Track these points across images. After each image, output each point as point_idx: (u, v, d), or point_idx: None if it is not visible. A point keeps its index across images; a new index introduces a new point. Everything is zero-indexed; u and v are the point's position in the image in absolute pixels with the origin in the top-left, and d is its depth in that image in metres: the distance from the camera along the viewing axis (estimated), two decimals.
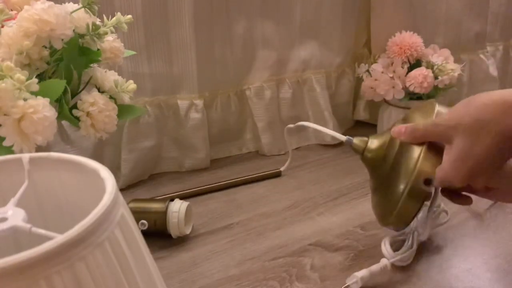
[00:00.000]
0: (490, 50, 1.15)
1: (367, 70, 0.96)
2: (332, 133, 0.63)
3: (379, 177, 0.60)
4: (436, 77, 0.91)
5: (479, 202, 0.73)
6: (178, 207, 0.65)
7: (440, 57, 0.94)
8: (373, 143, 0.60)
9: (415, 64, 0.92)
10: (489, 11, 1.11)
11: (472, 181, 0.49)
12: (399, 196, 0.54)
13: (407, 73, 0.91)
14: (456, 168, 0.48)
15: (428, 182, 0.52)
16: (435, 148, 0.53)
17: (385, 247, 0.59)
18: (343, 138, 0.61)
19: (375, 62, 0.95)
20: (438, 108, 0.56)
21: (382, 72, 0.93)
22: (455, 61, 0.95)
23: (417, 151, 0.53)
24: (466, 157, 0.47)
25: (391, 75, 0.92)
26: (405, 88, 0.92)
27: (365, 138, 0.61)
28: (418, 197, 0.53)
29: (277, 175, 0.61)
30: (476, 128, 0.47)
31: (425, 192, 0.53)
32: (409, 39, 0.92)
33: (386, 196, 0.57)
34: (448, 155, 0.49)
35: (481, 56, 1.12)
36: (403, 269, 0.59)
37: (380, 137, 0.60)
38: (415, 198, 0.53)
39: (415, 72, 0.90)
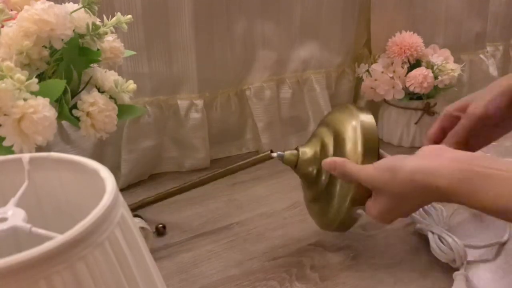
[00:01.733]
0: (490, 50, 1.15)
1: (367, 70, 0.96)
2: (260, 156, 0.64)
3: (317, 189, 0.61)
4: (436, 77, 0.91)
5: None
6: None
7: (440, 57, 0.94)
8: (305, 154, 0.61)
9: (415, 64, 0.92)
10: (489, 11, 1.11)
11: (395, 220, 0.56)
12: (338, 213, 0.58)
13: (407, 73, 0.91)
14: (382, 218, 0.55)
15: (357, 209, 0.58)
16: (363, 188, 0.56)
17: None
18: (274, 155, 0.62)
19: (375, 62, 0.96)
20: (359, 114, 0.59)
21: (382, 72, 0.93)
22: (455, 61, 0.95)
23: (349, 188, 0.57)
24: (389, 213, 0.54)
25: (391, 75, 0.92)
26: (405, 88, 0.92)
27: (295, 151, 0.61)
28: (347, 227, 0.61)
29: (269, 158, 0.61)
30: (399, 199, 0.52)
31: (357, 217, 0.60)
32: (409, 39, 0.92)
33: (326, 208, 0.60)
34: (374, 204, 0.55)
35: (481, 56, 1.12)
36: None
37: (309, 146, 0.61)
38: (353, 217, 0.59)
39: (415, 72, 0.90)
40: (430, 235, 0.62)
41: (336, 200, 0.58)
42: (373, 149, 0.57)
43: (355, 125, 0.58)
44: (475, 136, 0.61)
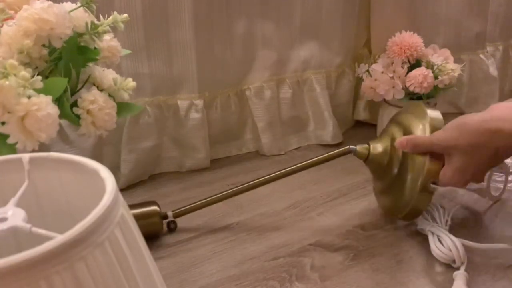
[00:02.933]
0: (490, 50, 1.15)
1: (367, 70, 0.96)
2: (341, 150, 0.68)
3: (387, 179, 0.66)
4: (436, 77, 0.91)
5: (479, 202, 0.73)
6: None
7: (440, 57, 0.94)
8: (376, 148, 0.66)
9: (415, 64, 0.92)
10: (489, 11, 1.11)
11: (470, 182, 0.61)
12: (411, 195, 0.61)
13: (407, 73, 0.91)
14: (457, 178, 0.59)
15: (434, 183, 0.60)
16: (435, 155, 0.61)
17: None
18: (344, 148, 0.67)
19: (375, 62, 0.95)
20: (428, 111, 0.64)
21: (382, 72, 0.93)
22: (455, 61, 0.95)
23: (421, 159, 0.61)
24: (464, 171, 0.58)
25: (391, 75, 0.92)
26: (405, 88, 0.91)
27: (367, 145, 0.67)
28: (428, 194, 0.61)
29: (348, 152, 0.66)
30: (471, 151, 0.57)
31: (432, 191, 0.61)
32: (409, 39, 0.92)
33: (398, 195, 0.64)
34: (449, 166, 0.59)
35: (481, 56, 1.12)
36: None
37: (380, 142, 0.67)
38: (426, 195, 0.61)
39: (415, 72, 0.90)
40: (430, 236, 0.62)
41: (408, 183, 0.62)
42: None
43: (424, 121, 0.63)
44: None
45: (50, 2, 0.52)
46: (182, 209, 0.68)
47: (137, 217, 0.67)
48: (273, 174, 0.69)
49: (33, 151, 0.47)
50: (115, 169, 0.82)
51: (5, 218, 0.29)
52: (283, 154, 0.94)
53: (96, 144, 0.80)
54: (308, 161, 0.68)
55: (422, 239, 0.64)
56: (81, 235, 0.24)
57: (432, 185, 0.60)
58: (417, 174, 0.61)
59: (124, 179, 0.81)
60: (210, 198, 0.69)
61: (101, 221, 0.25)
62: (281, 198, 0.77)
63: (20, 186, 0.32)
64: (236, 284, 0.58)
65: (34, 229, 0.28)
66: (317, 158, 0.68)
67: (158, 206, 0.67)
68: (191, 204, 0.68)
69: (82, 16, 0.55)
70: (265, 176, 0.69)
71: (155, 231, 0.67)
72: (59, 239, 0.23)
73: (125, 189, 0.81)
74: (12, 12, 0.54)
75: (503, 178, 0.75)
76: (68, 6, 0.56)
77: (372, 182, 0.73)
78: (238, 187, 0.69)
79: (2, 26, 0.52)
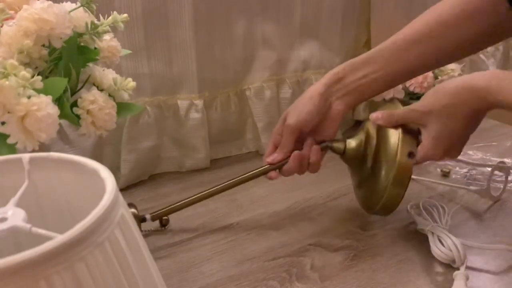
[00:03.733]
0: (490, 50, 1.15)
1: None
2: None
3: (363, 171, 0.66)
4: (436, 77, 0.91)
5: (479, 202, 0.73)
6: None
7: None
8: (350, 143, 0.66)
9: None
10: None
11: (448, 154, 0.59)
12: (385, 182, 0.61)
13: None
14: (434, 146, 0.57)
15: (411, 155, 0.59)
16: (409, 131, 0.61)
17: None
18: (323, 145, 0.66)
19: None
20: (403, 107, 0.63)
21: None
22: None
23: (395, 134, 0.61)
24: (441, 137, 0.56)
25: None
26: (405, 88, 0.91)
27: (343, 141, 0.67)
28: (404, 178, 0.60)
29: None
30: (447, 113, 0.55)
31: (408, 173, 0.59)
32: None
33: (372, 186, 0.63)
34: (426, 136, 0.58)
35: (481, 56, 1.12)
36: None
37: (355, 136, 0.67)
38: (401, 181, 0.60)
39: None
40: (430, 236, 0.62)
41: (386, 159, 0.61)
42: (413, 134, 0.61)
43: None
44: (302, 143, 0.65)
45: (50, 2, 0.52)
46: (160, 211, 0.67)
47: None
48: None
49: (33, 151, 0.47)
50: (115, 169, 0.82)
51: (5, 218, 0.29)
52: None
53: (96, 144, 0.80)
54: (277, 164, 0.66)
55: (422, 239, 0.64)
56: (81, 235, 0.24)
57: (408, 158, 0.59)
58: (391, 154, 0.60)
59: (124, 179, 0.81)
60: (185, 200, 0.67)
61: (101, 221, 0.25)
62: (281, 198, 0.77)
63: (20, 186, 0.32)
64: (236, 284, 0.58)
65: (34, 229, 0.28)
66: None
67: (136, 208, 0.66)
68: (168, 207, 0.67)
69: (82, 16, 0.55)
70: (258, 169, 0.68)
71: None
72: (59, 239, 0.23)
73: (125, 189, 0.81)
74: (12, 12, 0.54)
75: (503, 178, 0.75)
76: (68, 6, 0.56)
77: (350, 178, 0.72)
78: (216, 187, 0.68)
79: (2, 26, 0.52)
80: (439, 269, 0.59)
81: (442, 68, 0.91)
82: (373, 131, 0.65)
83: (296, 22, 0.92)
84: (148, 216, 0.66)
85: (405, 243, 0.64)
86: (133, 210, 0.65)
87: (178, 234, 0.68)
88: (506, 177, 0.74)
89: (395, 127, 0.61)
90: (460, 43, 0.62)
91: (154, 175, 0.86)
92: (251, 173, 0.68)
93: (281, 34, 0.91)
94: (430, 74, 0.89)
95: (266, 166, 0.67)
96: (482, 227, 0.68)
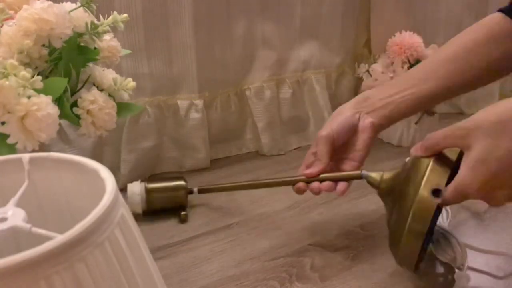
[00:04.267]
0: None
1: (367, 70, 0.96)
2: (348, 173, 0.62)
3: (389, 208, 0.55)
4: None
5: (479, 202, 0.73)
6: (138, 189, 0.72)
7: None
8: (386, 175, 0.58)
9: (415, 64, 0.92)
10: (488, 11, 1.11)
11: (491, 193, 0.45)
12: (401, 227, 0.50)
13: None
14: (475, 171, 0.44)
15: (436, 192, 0.47)
16: (444, 161, 0.49)
17: None
18: (357, 172, 0.60)
19: (375, 62, 0.95)
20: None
21: (382, 72, 0.93)
22: None
23: (425, 163, 0.50)
24: (486, 160, 0.43)
25: (391, 75, 0.92)
26: None
27: (381, 172, 0.58)
28: (420, 222, 0.48)
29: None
30: (498, 130, 0.43)
31: (427, 215, 0.47)
32: (409, 39, 0.92)
33: (394, 227, 0.53)
34: (465, 161, 0.45)
35: None
36: None
37: (393, 170, 0.58)
38: (417, 226, 0.48)
39: None
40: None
41: (408, 196, 0.50)
42: (448, 166, 0.50)
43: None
44: (340, 160, 0.63)
45: (50, 2, 0.52)
46: (206, 187, 0.73)
47: (165, 190, 0.71)
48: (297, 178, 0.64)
49: (33, 151, 0.47)
50: (115, 169, 0.82)
51: (5, 218, 0.29)
52: (283, 154, 0.94)
53: (96, 144, 0.80)
54: (324, 175, 0.62)
55: None
56: (81, 235, 0.24)
57: (434, 197, 0.47)
58: (413, 189, 0.49)
59: (124, 179, 0.81)
60: (235, 184, 0.71)
61: (101, 221, 0.25)
62: (281, 198, 0.77)
63: (20, 186, 0.32)
64: (236, 284, 0.58)
65: (34, 229, 0.28)
66: (329, 175, 0.62)
67: (185, 181, 0.73)
68: (216, 185, 0.74)
69: (82, 16, 0.55)
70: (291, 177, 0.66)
71: (180, 203, 0.72)
72: (59, 239, 0.23)
73: (125, 189, 0.81)
74: (12, 12, 0.54)
75: None
76: (68, 6, 0.56)
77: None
78: (267, 180, 0.69)
79: (2, 26, 0.52)
80: (439, 269, 0.59)
81: None
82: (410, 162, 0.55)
83: (296, 22, 0.92)
84: (195, 189, 0.72)
85: None
86: (182, 182, 0.72)
87: (178, 234, 0.68)
88: None
89: (433, 154, 0.50)
90: (487, 65, 0.61)
91: (154, 175, 0.86)
92: (282, 179, 0.66)
93: (281, 34, 0.91)
94: None
95: (300, 177, 0.63)
96: (482, 227, 0.68)
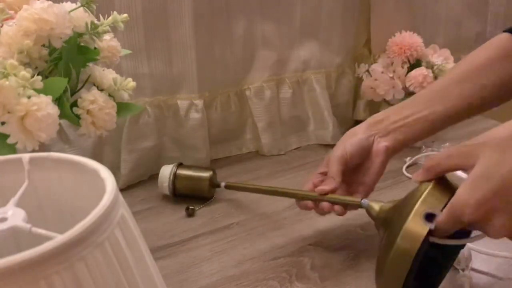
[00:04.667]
0: None
1: (367, 70, 0.96)
2: (348, 199, 0.60)
3: (380, 238, 0.51)
4: (436, 77, 0.91)
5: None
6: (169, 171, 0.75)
7: (440, 57, 0.94)
8: (385, 206, 0.54)
9: (415, 64, 0.92)
10: (489, 11, 1.11)
11: (489, 216, 0.40)
12: (390, 249, 0.45)
13: (407, 73, 0.91)
14: (473, 188, 0.40)
15: (430, 217, 0.43)
16: (445, 185, 0.46)
17: None
18: (358, 199, 0.58)
19: (375, 62, 0.95)
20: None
21: (382, 72, 0.93)
22: (455, 61, 0.95)
23: (423, 187, 0.46)
24: (489, 176, 0.39)
25: (391, 75, 0.92)
26: (405, 88, 0.92)
27: (381, 202, 0.55)
28: (406, 252, 0.43)
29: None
30: (505, 144, 0.39)
31: (415, 243, 0.43)
32: (409, 39, 0.92)
33: (380, 255, 0.49)
34: (468, 178, 0.41)
35: None
36: None
37: (395, 200, 0.53)
38: (402, 257, 0.43)
39: (415, 72, 0.90)
40: None
41: (389, 240, 0.46)
42: (450, 191, 0.45)
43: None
44: (351, 182, 0.62)
45: (50, 2, 0.52)
46: (234, 184, 0.75)
47: (190, 178, 0.74)
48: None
49: (33, 151, 0.47)
50: (115, 169, 0.82)
51: (5, 218, 0.29)
52: (283, 154, 0.94)
53: (96, 144, 0.80)
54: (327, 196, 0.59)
55: None
56: (81, 235, 0.24)
57: (424, 221, 0.43)
58: (405, 212, 0.45)
59: (124, 179, 0.81)
60: (262, 187, 0.70)
61: (101, 221, 0.25)
62: (281, 198, 0.77)
63: (20, 186, 0.32)
64: (236, 284, 0.58)
65: (34, 229, 0.28)
66: (331, 196, 0.59)
67: (214, 173, 0.76)
68: (243, 184, 0.75)
69: (82, 16, 0.55)
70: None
71: (202, 194, 0.75)
72: (59, 239, 0.23)
73: (125, 189, 0.81)
74: (12, 12, 0.54)
75: None
76: (68, 6, 0.56)
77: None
78: (293, 191, 0.65)
79: (2, 26, 0.52)
80: None
81: (441, 67, 0.91)
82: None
83: (296, 22, 0.92)
84: (222, 184, 0.74)
85: None
86: (207, 174, 0.75)
87: (178, 234, 0.68)
88: None
89: (434, 178, 0.47)
90: (500, 82, 0.60)
91: (154, 175, 0.86)
92: (306, 193, 0.62)
93: (281, 34, 0.91)
94: (430, 74, 0.89)
95: (311, 193, 0.61)
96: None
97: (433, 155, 0.48)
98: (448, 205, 0.42)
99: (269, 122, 0.93)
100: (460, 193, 0.41)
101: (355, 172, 0.62)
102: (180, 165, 0.77)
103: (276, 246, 0.65)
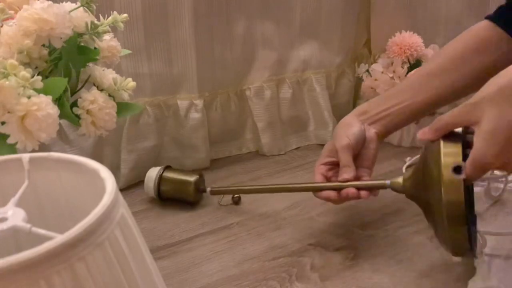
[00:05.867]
0: None
1: (367, 70, 0.96)
2: (373, 182, 0.62)
3: (425, 206, 0.55)
4: None
5: (479, 202, 0.73)
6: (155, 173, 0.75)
7: None
8: (406, 173, 0.58)
9: (415, 64, 0.92)
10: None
11: (510, 159, 0.45)
12: (439, 214, 0.50)
13: (407, 73, 0.91)
14: (488, 141, 0.45)
15: (457, 169, 0.48)
16: (452, 137, 0.51)
17: None
18: (383, 181, 0.61)
19: (375, 62, 0.95)
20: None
21: (382, 72, 0.93)
22: None
23: (435, 145, 0.51)
24: (497, 128, 0.44)
25: (391, 75, 0.92)
26: None
27: (400, 176, 0.59)
28: (456, 203, 0.48)
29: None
30: (504, 96, 0.44)
31: (459, 193, 0.47)
32: (409, 39, 0.92)
33: (435, 221, 0.53)
34: (478, 134, 0.46)
35: None
36: None
37: (410, 169, 0.58)
38: (455, 208, 0.48)
39: None
40: None
41: (433, 183, 0.50)
42: (457, 141, 0.50)
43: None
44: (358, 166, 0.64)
45: (50, 2, 0.52)
46: (218, 189, 0.74)
47: (174, 182, 0.73)
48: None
49: (33, 151, 0.47)
50: (115, 169, 0.81)
51: (5, 218, 0.29)
52: (283, 154, 0.94)
53: (96, 144, 0.80)
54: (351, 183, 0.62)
55: (422, 239, 0.64)
56: (81, 235, 0.24)
57: (454, 174, 0.47)
58: (434, 174, 0.49)
59: (124, 179, 0.81)
60: (246, 187, 0.75)
61: (101, 221, 0.25)
62: (281, 198, 0.77)
63: (20, 186, 0.32)
64: (236, 284, 0.58)
65: (34, 229, 0.28)
66: (356, 183, 0.61)
67: (200, 178, 0.75)
68: (227, 187, 0.77)
69: (82, 16, 0.55)
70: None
71: (187, 199, 0.75)
72: (59, 239, 0.23)
73: (125, 189, 0.81)
74: (12, 12, 0.54)
75: (503, 178, 0.75)
76: (68, 6, 0.56)
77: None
78: (280, 186, 0.73)
79: (2, 26, 0.52)
80: (439, 269, 0.59)
81: None
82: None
83: (296, 22, 0.92)
84: (208, 189, 0.74)
85: (405, 243, 0.64)
86: (192, 178, 0.74)
87: (178, 234, 0.68)
88: (506, 177, 0.74)
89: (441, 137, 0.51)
90: (477, 74, 0.63)
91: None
92: (303, 185, 0.68)
93: (281, 34, 0.91)
94: None
95: (337, 183, 0.63)
96: (482, 227, 0.68)
97: (439, 117, 0.52)
98: (470, 159, 0.47)
99: (269, 122, 0.93)
100: (478, 149, 0.46)
101: (356, 159, 0.65)
102: (167, 168, 0.76)
103: (276, 246, 0.65)
